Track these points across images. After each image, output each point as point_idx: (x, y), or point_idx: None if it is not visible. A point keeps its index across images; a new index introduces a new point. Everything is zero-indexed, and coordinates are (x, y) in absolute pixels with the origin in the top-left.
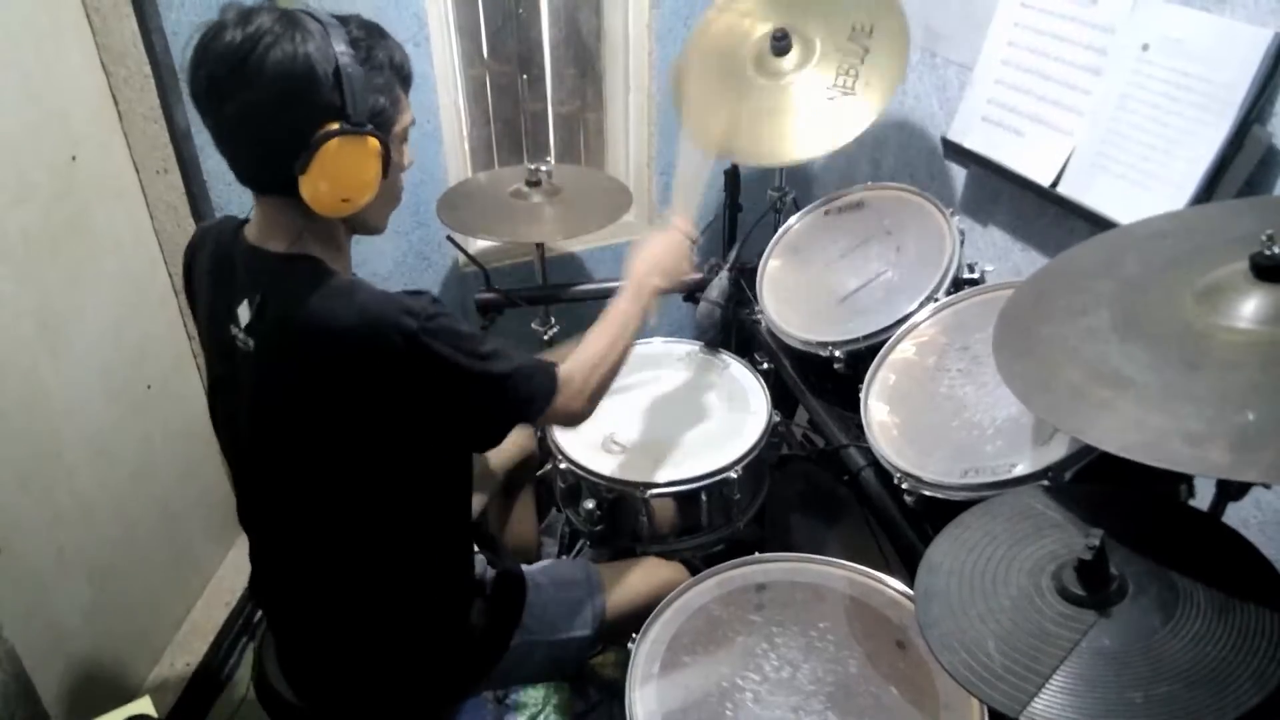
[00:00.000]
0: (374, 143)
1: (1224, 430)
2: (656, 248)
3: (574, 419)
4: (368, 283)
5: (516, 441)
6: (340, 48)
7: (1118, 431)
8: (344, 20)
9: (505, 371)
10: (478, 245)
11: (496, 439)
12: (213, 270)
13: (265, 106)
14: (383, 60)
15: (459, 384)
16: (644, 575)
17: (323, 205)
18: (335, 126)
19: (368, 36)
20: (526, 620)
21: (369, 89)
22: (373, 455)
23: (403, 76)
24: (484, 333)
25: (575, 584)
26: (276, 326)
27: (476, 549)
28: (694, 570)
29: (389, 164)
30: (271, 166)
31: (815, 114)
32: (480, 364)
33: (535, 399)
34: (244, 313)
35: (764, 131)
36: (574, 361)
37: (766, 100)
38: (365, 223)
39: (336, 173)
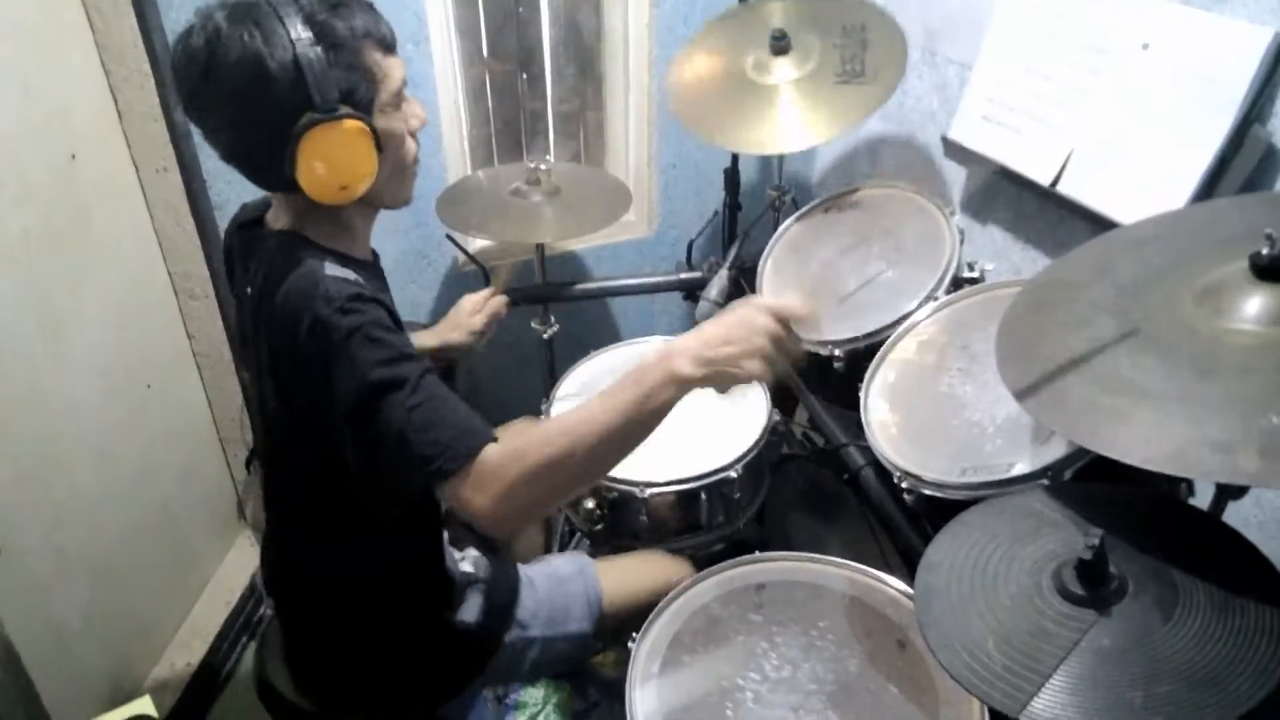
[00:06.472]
0: (353, 124)
1: (1250, 436)
2: (723, 319)
3: (480, 519)
4: (328, 265)
5: None
6: (296, 31)
7: (1140, 444)
8: None
9: (397, 404)
10: (477, 244)
11: (376, 491)
12: (240, 248)
13: (234, 115)
14: (343, 34)
15: (344, 394)
16: (640, 566)
17: (327, 197)
18: (306, 119)
19: (323, 10)
20: (521, 616)
21: (335, 69)
22: (319, 436)
23: (378, 39)
24: (407, 364)
25: (569, 578)
26: (256, 302)
27: (473, 548)
28: (694, 567)
29: (381, 138)
30: (264, 170)
31: (827, 98)
32: (371, 378)
33: (428, 460)
34: (251, 290)
35: (774, 122)
36: (514, 446)
37: (774, 94)
38: (380, 199)
39: (325, 164)
